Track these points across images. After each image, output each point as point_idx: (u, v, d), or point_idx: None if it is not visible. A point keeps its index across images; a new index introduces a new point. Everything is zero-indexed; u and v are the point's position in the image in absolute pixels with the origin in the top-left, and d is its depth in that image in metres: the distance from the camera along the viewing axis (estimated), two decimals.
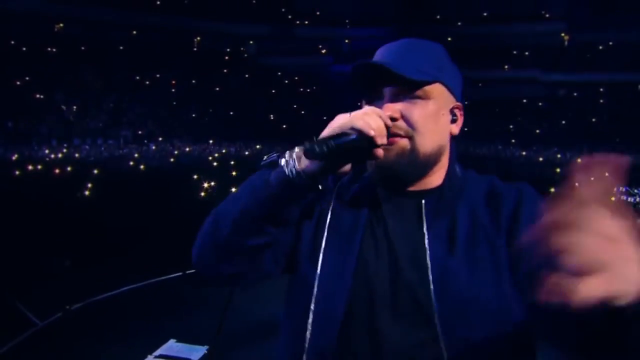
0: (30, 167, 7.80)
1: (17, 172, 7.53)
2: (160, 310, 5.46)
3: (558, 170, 9.23)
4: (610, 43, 9.37)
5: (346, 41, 16.52)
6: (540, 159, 9.60)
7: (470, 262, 1.06)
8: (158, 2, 8.44)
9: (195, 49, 9.18)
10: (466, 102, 1.22)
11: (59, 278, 6.03)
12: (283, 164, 1.04)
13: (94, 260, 6.31)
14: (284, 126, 9.27)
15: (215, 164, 8.20)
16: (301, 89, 10.37)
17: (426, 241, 1.07)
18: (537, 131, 9.13)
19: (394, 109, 1.08)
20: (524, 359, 1.09)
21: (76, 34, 7.88)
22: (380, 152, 1.04)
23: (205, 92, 9.04)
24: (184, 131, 8.63)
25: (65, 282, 5.94)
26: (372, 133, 1.00)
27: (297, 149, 1.06)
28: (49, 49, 8.19)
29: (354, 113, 1.05)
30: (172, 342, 4.69)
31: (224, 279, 1.16)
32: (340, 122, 1.03)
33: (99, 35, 7.86)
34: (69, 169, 8.03)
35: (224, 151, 8.79)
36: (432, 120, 1.12)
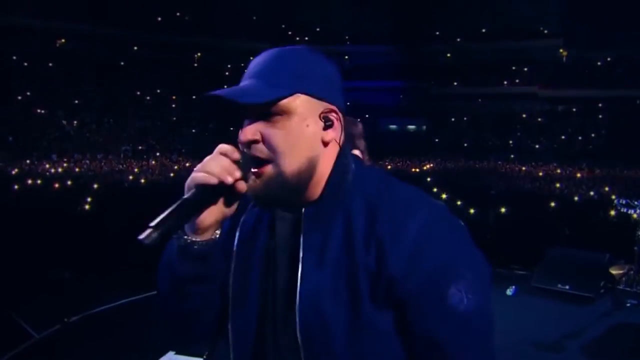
0: (30, 182, 7.80)
1: (16, 187, 7.55)
2: (160, 323, 5.43)
3: (558, 185, 9.24)
4: (608, 59, 9.40)
5: (346, 58, 16.62)
6: (540, 173, 9.62)
7: (335, 278, 1.02)
8: (159, 19, 8.50)
9: (195, 65, 9.24)
10: (348, 103, 1.07)
11: (58, 290, 6.02)
12: (174, 237, 1.04)
13: (93, 273, 6.30)
14: None
15: None
16: None
17: (300, 253, 1.05)
18: (537, 146, 9.16)
19: (251, 131, 1.02)
20: None
21: (77, 49, 7.92)
22: (241, 185, 1.00)
23: (205, 108, 9.07)
24: (184, 146, 8.66)
25: (64, 294, 5.93)
26: (214, 181, 0.97)
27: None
28: (50, 64, 8.24)
29: (198, 166, 0.98)
30: (171, 354, 4.67)
31: (193, 343, 1.15)
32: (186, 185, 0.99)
33: (100, 51, 7.90)
34: (69, 183, 8.05)
35: None
36: (295, 136, 1.03)
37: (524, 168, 9.21)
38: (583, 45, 8.76)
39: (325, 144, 1.05)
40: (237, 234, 1.13)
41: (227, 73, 9.54)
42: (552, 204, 8.97)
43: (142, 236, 0.90)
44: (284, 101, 1.01)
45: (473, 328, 1.01)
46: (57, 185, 7.85)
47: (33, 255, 6.16)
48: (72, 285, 6.16)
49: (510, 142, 12.11)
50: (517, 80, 9.66)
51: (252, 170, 1.00)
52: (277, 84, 1.03)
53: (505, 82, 10.09)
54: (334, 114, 1.05)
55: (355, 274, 0.98)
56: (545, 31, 9.18)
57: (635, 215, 6.94)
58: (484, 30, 8.89)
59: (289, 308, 1.04)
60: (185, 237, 1.02)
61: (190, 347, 1.18)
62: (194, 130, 9.00)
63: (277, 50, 1.06)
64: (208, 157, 0.99)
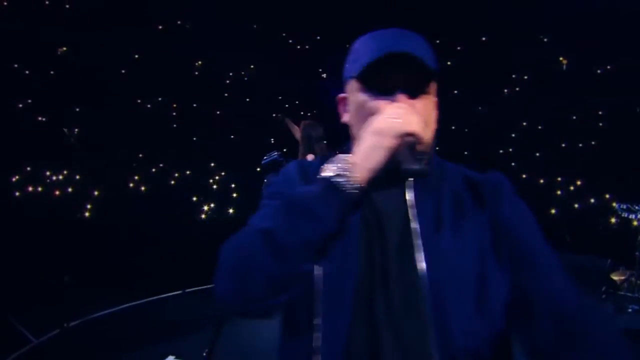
0: (30, 189, 7.80)
1: (17, 193, 7.55)
2: (160, 328, 5.48)
3: (558, 192, 9.24)
4: (608, 67, 9.43)
5: (347, 65, 16.66)
6: (541, 181, 9.63)
7: (457, 238, 1.10)
8: (160, 27, 8.56)
9: (196, 73, 9.29)
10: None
11: (58, 296, 6.03)
12: (335, 179, 1.03)
13: (93, 278, 6.31)
14: (285, 150, 9.25)
15: (215, 186, 8.19)
16: (302, 113, 10.41)
17: (414, 221, 1.10)
18: (537, 154, 9.22)
19: (405, 102, 1.10)
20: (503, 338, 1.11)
21: (78, 57, 7.94)
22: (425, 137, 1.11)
23: (206, 116, 9.10)
24: (184, 154, 8.67)
25: (64, 300, 5.94)
26: (412, 128, 1.05)
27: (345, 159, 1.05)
28: (51, 71, 8.28)
29: (393, 118, 1.04)
30: (171, 358, 4.68)
31: (264, 311, 1.11)
32: (390, 131, 1.03)
33: (100, 58, 7.93)
34: (69, 190, 8.05)
35: (223, 174, 8.77)
36: (432, 113, 1.16)
37: (524, 176, 9.19)
38: (584, 54, 8.85)
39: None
40: None
41: (227, 81, 9.52)
42: (553, 211, 8.97)
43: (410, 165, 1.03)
44: (433, 82, 1.15)
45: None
46: (57, 192, 7.84)
47: (34, 261, 6.16)
48: (73, 291, 6.17)
49: (510, 149, 12.08)
50: (517, 88, 9.66)
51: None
52: (431, 58, 1.13)
53: (506, 90, 10.11)
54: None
55: (474, 231, 1.11)
56: (545, 39, 9.27)
57: (635, 222, 6.95)
58: (484, 39, 8.98)
59: (407, 270, 1.08)
60: (348, 172, 1.04)
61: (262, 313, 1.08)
62: (194, 139, 9.02)
63: (404, 30, 1.17)
64: (401, 113, 1.05)
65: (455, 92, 7.91)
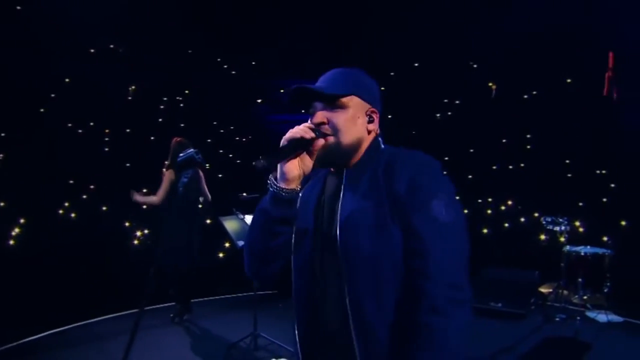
0: None
1: None
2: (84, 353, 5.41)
3: (489, 212, 9.51)
4: (534, 92, 9.82)
5: (281, 91, 16.83)
6: (476, 201, 9.90)
7: (363, 202, 1.59)
8: (92, 50, 8.40)
9: (130, 98, 9.10)
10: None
11: None
12: (268, 186, 1.61)
13: (17, 306, 6.10)
14: (220, 175, 9.23)
15: (146, 210, 8.05)
16: (237, 138, 10.38)
17: (341, 194, 1.65)
18: (469, 176, 9.47)
19: (320, 116, 1.67)
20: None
21: (6, 80, 7.63)
22: (319, 142, 1.61)
23: (139, 141, 8.93)
24: (116, 180, 8.45)
25: None
26: (297, 136, 1.57)
27: (271, 177, 1.60)
28: None
29: (289, 131, 1.61)
30: None
31: (268, 279, 1.72)
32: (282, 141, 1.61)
33: (30, 82, 7.65)
34: None
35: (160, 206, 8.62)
36: (350, 122, 1.67)
37: (457, 197, 9.46)
38: (511, 79, 9.20)
39: (369, 132, 1.74)
40: (303, 191, 1.74)
41: (162, 106, 9.38)
42: (485, 231, 9.18)
43: (255, 163, 1.46)
44: (345, 98, 1.69)
45: (449, 235, 1.52)
46: None
47: None
48: None
49: (444, 172, 12.45)
50: (449, 113, 9.92)
51: (320, 138, 1.62)
52: (342, 87, 1.69)
53: (438, 115, 10.33)
54: (374, 114, 1.76)
55: (380, 198, 1.55)
56: (475, 65, 9.59)
57: (562, 237, 7.20)
58: (416, 65, 9.20)
59: (332, 228, 1.62)
60: (277, 185, 1.58)
61: (269, 281, 1.75)
62: (127, 165, 8.83)
63: (343, 68, 1.76)
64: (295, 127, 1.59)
65: (390, 116, 8.03)
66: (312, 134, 1.60)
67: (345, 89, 1.68)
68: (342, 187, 1.66)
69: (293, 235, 1.68)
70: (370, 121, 1.74)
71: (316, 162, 1.64)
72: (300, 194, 1.70)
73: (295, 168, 1.59)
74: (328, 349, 1.61)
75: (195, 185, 6.93)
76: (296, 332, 1.69)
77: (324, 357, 1.63)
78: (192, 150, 5.81)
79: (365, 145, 1.72)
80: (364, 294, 1.51)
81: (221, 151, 9.88)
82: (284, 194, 1.58)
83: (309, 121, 1.67)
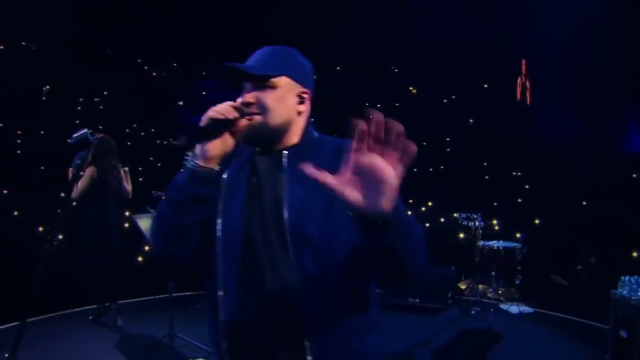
0: None
1: None
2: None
3: (409, 213, 9.59)
4: (453, 97, 10.12)
5: (203, 93, 16.41)
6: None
7: (312, 191, 1.50)
8: (1, 47, 8.03)
9: (44, 99, 8.73)
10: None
11: None
12: (186, 163, 1.52)
13: None
14: (140, 179, 9.01)
15: (62, 215, 7.74)
16: (157, 141, 10.18)
17: (284, 177, 1.60)
18: None
19: (250, 96, 1.62)
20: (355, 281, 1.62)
21: None
22: (242, 122, 1.55)
23: (54, 144, 8.59)
24: (30, 183, 8.11)
25: None
26: (220, 116, 1.50)
27: (190, 153, 1.53)
28: None
29: (210, 109, 1.52)
30: None
31: (174, 260, 1.60)
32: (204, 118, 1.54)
33: None
34: None
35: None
36: (278, 102, 1.63)
37: None
38: (431, 84, 9.42)
39: (299, 113, 1.71)
40: (227, 171, 1.66)
41: (78, 108, 9.02)
42: None
43: (174, 140, 1.52)
44: (275, 79, 1.64)
45: (404, 214, 1.51)
46: None
47: None
48: None
49: None
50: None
51: (246, 117, 1.56)
52: (272, 67, 1.64)
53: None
54: (306, 95, 1.73)
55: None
56: (396, 70, 9.75)
57: (478, 237, 7.47)
58: (338, 68, 9.25)
59: (278, 216, 1.54)
60: (196, 162, 1.51)
61: (175, 261, 1.63)
62: (42, 168, 8.47)
63: (274, 46, 1.68)
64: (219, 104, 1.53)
65: (312, 119, 8.05)
66: (235, 114, 1.54)
67: (276, 69, 1.65)
68: (284, 170, 1.62)
69: (219, 220, 1.60)
70: (301, 102, 1.72)
71: (243, 140, 1.60)
72: (224, 176, 1.65)
73: (216, 147, 1.53)
74: (264, 323, 1.55)
75: (99, 173, 6.67)
76: (221, 319, 1.58)
77: (259, 331, 1.55)
78: (85, 130, 5.57)
79: (297, 127, 1.71)
80: (313, 277, 1.50)
81: (141, 153, 9.64)
82: (202, 172, 1.52)
83: (239, 100, 1.62)
